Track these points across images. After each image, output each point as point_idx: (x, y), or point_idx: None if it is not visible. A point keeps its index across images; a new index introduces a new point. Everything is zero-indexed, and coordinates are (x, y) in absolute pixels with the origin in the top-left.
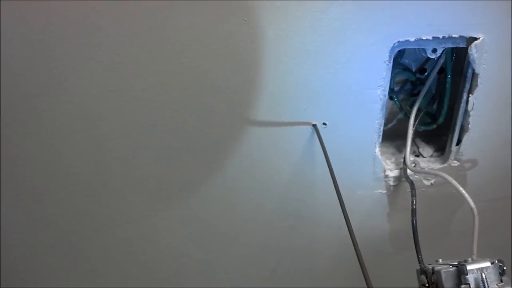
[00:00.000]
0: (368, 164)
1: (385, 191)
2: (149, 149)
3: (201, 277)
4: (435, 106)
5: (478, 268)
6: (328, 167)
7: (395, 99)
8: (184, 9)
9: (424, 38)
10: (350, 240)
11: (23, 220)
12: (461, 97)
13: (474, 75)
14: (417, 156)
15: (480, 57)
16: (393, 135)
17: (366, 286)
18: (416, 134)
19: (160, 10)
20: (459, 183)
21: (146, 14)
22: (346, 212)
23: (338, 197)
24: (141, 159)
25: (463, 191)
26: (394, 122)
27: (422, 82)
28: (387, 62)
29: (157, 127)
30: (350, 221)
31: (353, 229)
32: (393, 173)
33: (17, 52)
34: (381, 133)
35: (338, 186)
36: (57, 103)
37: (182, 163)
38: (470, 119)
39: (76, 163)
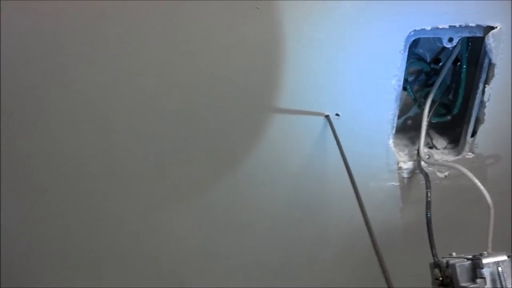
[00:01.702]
0: (381, 156)
1: (398, 184)
2: (157, 141)
3: (209, 270)
4: (450, 97)
5: (494, 262)
6: (343, 158)
7: (409, 90)
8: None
9: (440, 27)
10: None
11: (27, 214)
12: (477, 87)
13: (491, 65)
14: (430, 148)
15: (497, 47)
16: (406, 127)
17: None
18: (430, 125)
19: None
20: (474, 175)
21: (155, 2)
22: (363, 203)
23: (354, 189)
24: (149, 151)
25: (479, 183)
26: (408, 113)
27: (437, 73)
28: (402, 52)
29: (166, 119)
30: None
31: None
32: (406, 165)
33: (22, 41)
34: (394, 124)
35: (353, 178)
36: (64, 93)
37: (191, 155)
38: (486, 110)
39: (82, 155)
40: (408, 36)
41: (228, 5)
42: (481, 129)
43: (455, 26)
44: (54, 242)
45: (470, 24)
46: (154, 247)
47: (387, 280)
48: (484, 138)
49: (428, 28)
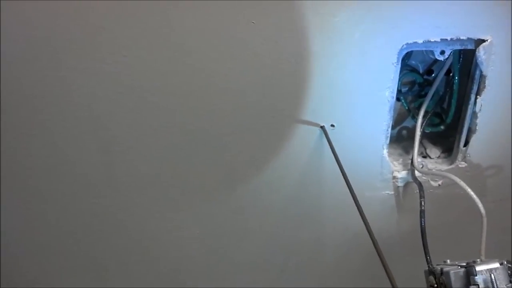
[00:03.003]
0: (376, 165)
1: (392, 192)
2: (156, 151)
3: (208, 277)
4: (444, 106)
5: (487, 269)
6: (340, 168)
7: (403, 101)
8: (191, 12)
9: (432, 40)
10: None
11: (29, 221)
12: (469, 98)
13: (482, 76)
14: (424, 157)
15: (488, 59)
16: (400, 136)
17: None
18: (423, 135)
19: (167, 13)
20: (466, 184)
21: (152, 16)
22: (363, 211)
23: (353, 197)
24: (148, 161)
25: (471, 192)
26: (402, 124)
27: (430, 84)
28: (395, 64)
29: (165, 129)
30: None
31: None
32: (400, 174)
33: (23, 53)
34: (388, 135)
35: (352, 187)
36: (64, 104)
37: (190, 164)
38: (478, 121)
39: (83, 164)
40: (401, 49)
41: (222, 20)
42: (474, 138)
43: (446, 39)
44: (54, 244)
45: (461, 37)
46: (152, 254)
47: (391, 281)
48: (477, 148)
49: (420, 41)
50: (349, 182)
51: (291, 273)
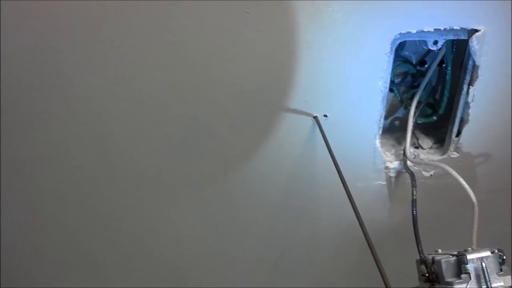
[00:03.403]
0: (368, 156)
1: (385, 183)
2: (153, 145)
3: (204, 271)
4: (436, 97)
5: (478, 258)
6: (332, 159)
7: (396, 91)
8: (187, 5)
9: (425, 30)
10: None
11: (26, 217)
12: (461, 89)
13: (475, 67)
14: (416, 147)
15: (481, 49)
16: (393, 127)
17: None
18: (415, 126)
19: (165, 5)
20: (458, 174)
21: (151, 8)
22: (354, 202)
23: (345, 188)
24: (145, 155)
25: (463, 182)
26: (394, 114)
27: (423, 74)
28: (388, 54)
29: (162, 122)
30: (352, 212)
31: (355, 221)
32: (393, 164)
33: (21, 46)
34: (381, 125)
35: (344, 178)
36: (62, 97)
37: (185, 158)
38: (470, 111)
39: (80, 158)
40: (394, 39)
41: (217, 10)
42: (466, 129)
43: (440, 29)
44: (54, 242)
45: (455, 27)
46: (149, 248)
47: (383, 277)
48: (469, 138)
49: (414, 31)
50: (341, 172)
51: (286, 265)
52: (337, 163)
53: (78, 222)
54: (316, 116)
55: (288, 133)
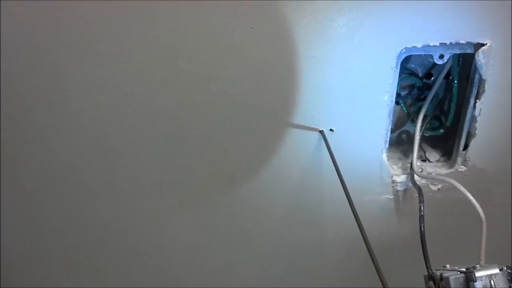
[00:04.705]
0: (375, 170)
1: (392, 197)
2: (156, 157)
3: (209, 283)
4: (444, 108)
5: (487, 275)
6: (337, 173)
7: (402, 104)
8: (190, 17)
9: (431, 44)
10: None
11: (31, 226)
12: (468, 102)
13: (481, 80)
14: (423, 161)
15: (487, 63)
16: (400, 140)
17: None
18: (422, 139)
19: (168, 19)
20: (466, 188)
21: (153, 23)
22: (358, 216)
23: (349, 202)
24: (148, 166)
25: (471, 197)
26: (402, 127)
27: (429, 87)
28: (394, 68)
29: (165, 135)
30: (357, 225)
31: (360, 234)
32: (400, 178)
33: (23, 60)
34: (388, 139)
35: (348, 192)
36: (65, 111)
37: (190, 170)
38: (477, 125)
39: (84, 170)
40: (400, 54)
41: (222, 25)
42: (473, 142)
43: (445, 44)
44: (54, 248)
45: (461, 41)
46: (153, 260)
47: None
48: (476, 152)
49: (419, 45)
50: (346, 186)
51: (292, 278)
52: (342, 177)
53: (78, 230)
54: (322, 130)
55: (294, 147)
